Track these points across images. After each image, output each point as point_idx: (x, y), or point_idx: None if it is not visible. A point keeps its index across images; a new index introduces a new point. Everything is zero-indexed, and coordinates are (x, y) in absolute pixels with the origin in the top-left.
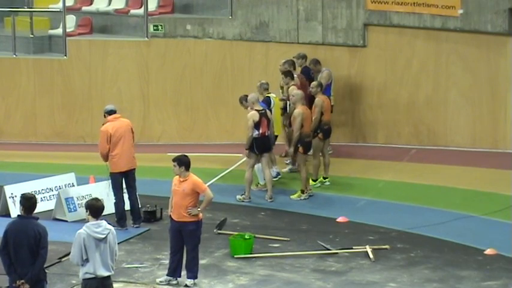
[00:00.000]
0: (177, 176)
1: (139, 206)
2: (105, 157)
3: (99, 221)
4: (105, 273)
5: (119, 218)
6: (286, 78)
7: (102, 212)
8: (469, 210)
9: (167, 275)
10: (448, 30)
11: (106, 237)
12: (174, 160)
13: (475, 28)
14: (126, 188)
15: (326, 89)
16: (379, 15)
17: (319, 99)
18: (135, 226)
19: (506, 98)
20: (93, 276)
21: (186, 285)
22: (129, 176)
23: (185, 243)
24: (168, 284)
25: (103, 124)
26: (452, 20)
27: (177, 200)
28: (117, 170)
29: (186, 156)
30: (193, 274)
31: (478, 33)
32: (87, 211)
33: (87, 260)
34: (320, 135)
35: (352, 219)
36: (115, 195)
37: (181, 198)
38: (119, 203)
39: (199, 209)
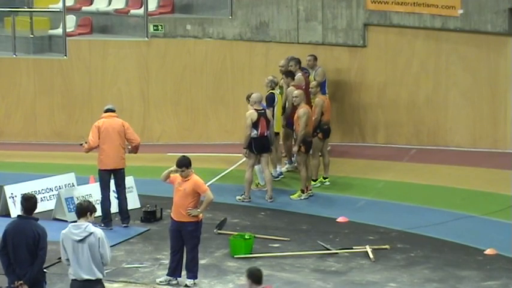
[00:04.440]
0: (178, 175)
1: (127, 206)
2: (89, 150)
3: (81, 223)
4: (86, 276)
5: (104, 217)
6: (287, 79)
7: (84, 214)
8: (469, 210)
9: (167, 274)
10: (448, 30)
11: (84, 239)
12: (180, 166)
13: (475, 28)
14: (115, 187)
15: (321, 88)
16: (379, 15)
17: (320, 99)
18: (123, 225)
19: (506, 98)
20: (74, 277)
21: (186, 286)
22: (117, 175)
23: (185, 243)
24: (168, 284)
25: None
26: (452, 20)
27: (177, 199)
28: (103, 168)
29: (184, 156)
30: (193, 274)
31: (478, 33)
32: None
33: (68, 260)
34: (320, 135)
35: (352, 219)
36: (101, 193)
37: (182, 198)
38: (104, 201)
39: (199, 210)
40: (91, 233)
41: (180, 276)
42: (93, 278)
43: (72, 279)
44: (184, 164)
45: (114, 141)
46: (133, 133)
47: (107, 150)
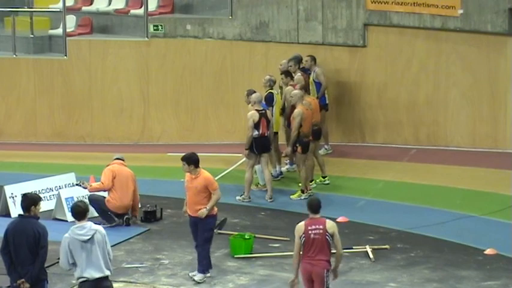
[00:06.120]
0: (188, 173)
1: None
2: (96, 191)
3: (83, 223)
4: (97, 275)
5: (103, 216)
6: (286, 78)
7: (84, 215)
8: (469, 210)
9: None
10: (448, 30)
11: (92, 238)
12: (182, 159)
13: (475, 28)
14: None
15: (318, 88)
16: (379, 15)
17: (306, 101)
18: (125, 224)
19: (506, 98)
20: (84, 279)
21: (192, 279)
22: (119, 215)
23: (198, 236)
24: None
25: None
26: (452, 20)
27: (190, 196)
28: (112, 210)
29: (194, 153)
30: (201, 268)
31: (478, 33)
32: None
33: (74, 264)
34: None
35: (352, 219)
36: (98, 213)
37: (195, 195)
38: (97, 202)
39: (207, 208)
40: (96, 231)
41: (211, 268)
42: (103, 276)
43: (82, 281)
44: (194, 161)
45: (129, 188)
46: (137, 187)
47: (120, 198)
